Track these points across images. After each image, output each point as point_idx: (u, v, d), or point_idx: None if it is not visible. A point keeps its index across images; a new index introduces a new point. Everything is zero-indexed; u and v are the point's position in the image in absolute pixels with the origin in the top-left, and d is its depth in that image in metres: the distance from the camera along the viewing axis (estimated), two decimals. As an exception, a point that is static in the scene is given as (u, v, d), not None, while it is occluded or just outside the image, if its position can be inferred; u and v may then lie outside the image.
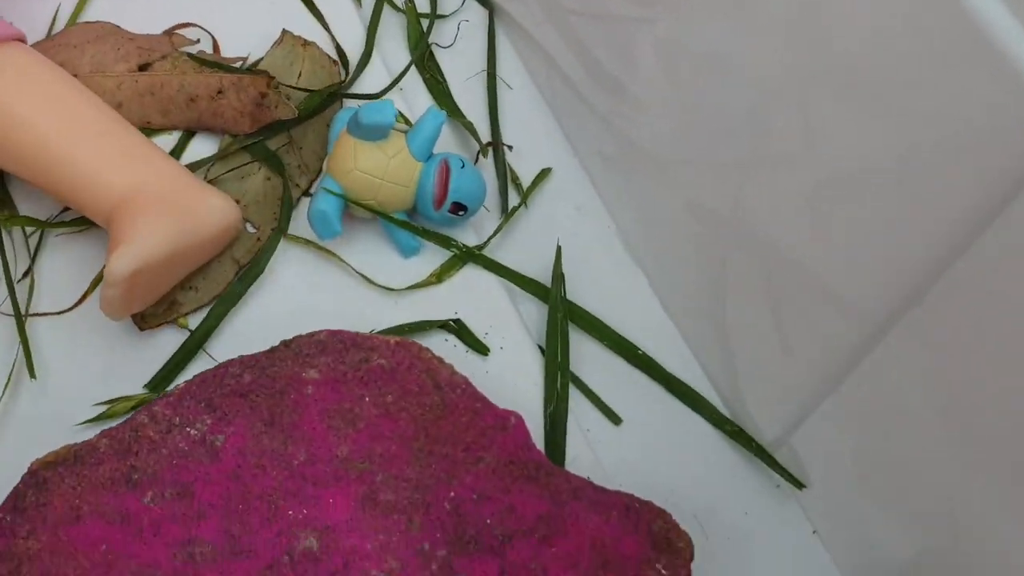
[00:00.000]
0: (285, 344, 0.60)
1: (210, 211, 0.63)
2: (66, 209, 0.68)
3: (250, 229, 0.67)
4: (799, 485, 0.65)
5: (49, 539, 0.54)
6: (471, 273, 0.68)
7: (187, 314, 0.66)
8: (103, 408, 0.63)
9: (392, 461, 0.58)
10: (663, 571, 0.57)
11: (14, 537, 0.55)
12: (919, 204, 0.50)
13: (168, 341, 0.66)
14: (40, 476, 0.56)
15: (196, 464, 0.56)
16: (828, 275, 0.57)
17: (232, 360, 0.60)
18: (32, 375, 0.64)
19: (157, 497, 0.56)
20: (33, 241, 0.67)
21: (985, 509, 0.55)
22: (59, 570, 0.54)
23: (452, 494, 0.57)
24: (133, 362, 0.65)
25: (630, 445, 0.67)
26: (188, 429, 0.57)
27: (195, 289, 0.66)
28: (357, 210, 0.66)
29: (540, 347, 0.68)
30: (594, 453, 0.66)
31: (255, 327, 0.66)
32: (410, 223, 0.67)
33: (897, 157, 0.50)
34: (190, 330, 0.66)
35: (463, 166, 0.66)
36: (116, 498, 0.55)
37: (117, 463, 0.56)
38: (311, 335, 0.61)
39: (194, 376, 0.59)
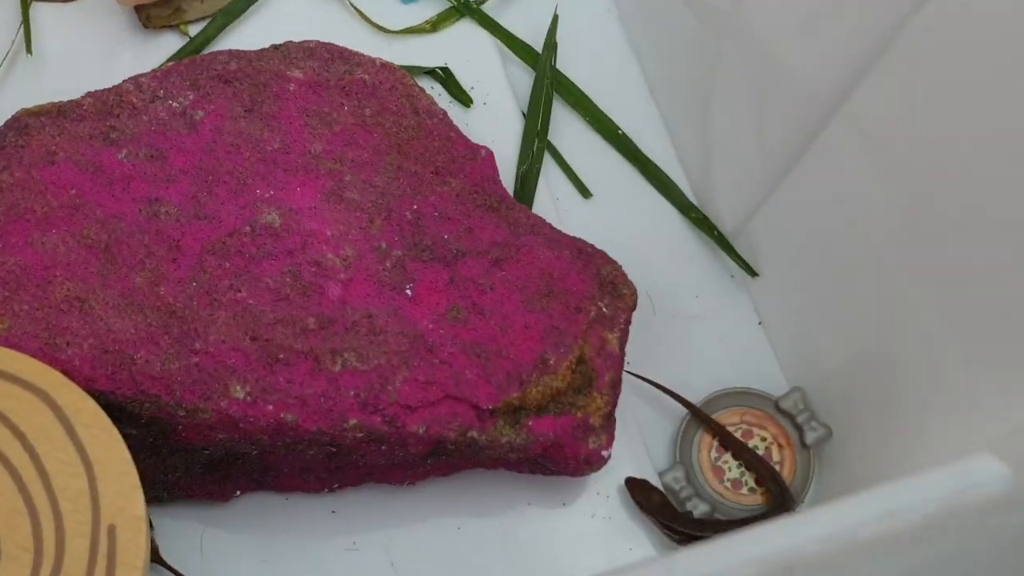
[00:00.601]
0: (275, 47, 0.62)
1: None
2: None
3: (260, -49, 0.69)
4: (752, 273, 0.67)
5: (22, 176, 0.56)
6: (466, 28, 0.70)
7: (190, 22, 0.67)
8: (93, 97, 0.65)
9: (362, 167, 0.60)
10: (604, 309, 0.59)
11: (-11, 170, 0.57)
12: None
13: (167, 44, 0.67)
14: (23, 122, 0.58)
15: (174, 133, 0.58)
16: (803, 71, 0.59)
17: (222, 51, 0.61)
18: (28, 51, 0.66)
19: (131, 155, 0.57)
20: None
21: (922, 310, 0.57)
22: (27, 204, 0.56)
23: (415, 207, 0.59)
24: (131, 59, 0.67)
25: (596, 219, 0.69)
26: (170, 102, 0.59)
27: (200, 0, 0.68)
28: (364, -57, 0.68)
29: (523, 112, 0.69)
30: (560, 220, 0.67)
31: (250, 45, 0.67)
32: (414, -36, 0.68)
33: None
34: (190, 36, 0.67)
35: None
36: (92, 150, 0.57)
37: (98, 122, 0.58)
38: (302, 42, 0.62)
39: (185, 59, 0.61)
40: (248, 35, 0.68)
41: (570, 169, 0.69)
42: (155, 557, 0.57)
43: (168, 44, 0.67)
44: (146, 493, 0.50)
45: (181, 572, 0.57)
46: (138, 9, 0.67)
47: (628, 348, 0.60)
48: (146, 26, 0.67)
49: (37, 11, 0.67)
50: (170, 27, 0.67)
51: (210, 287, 0.55)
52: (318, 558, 0.60)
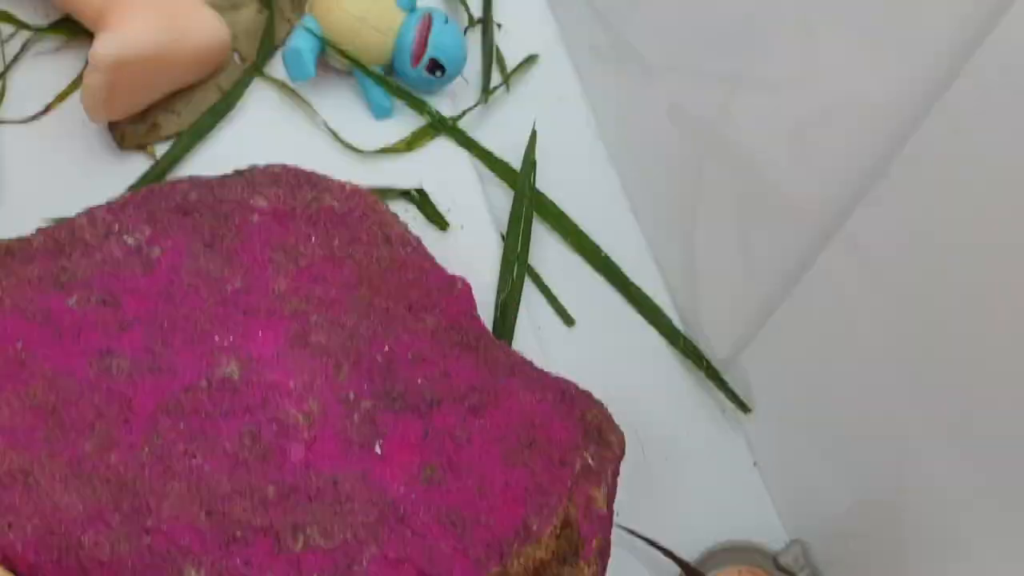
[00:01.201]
0: (238, 172, 0.58)
1: (201, 23, 0.61)
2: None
3: (238, 61, 0.65)
4: (745, 408, 0.63)
5: (-38, 326, 0.52)
6: (442, 147, 0.66)
7: (167, 138, 0.63)
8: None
9: (330, 305, 0.55)
10: (590, 460, 0.55)
11: (-74, 318, 0.52)
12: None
13: (135, 169, 0.63)
14: (-34, 263, 0.54)
15: (128, 274, 0.54)
16: (794, 190, 0.55)
17: (183, 179, 0.57)
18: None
19: (82, 301, 0.53)
20: (11, 49, 0.64)
21: (931, 455, 0.53)
22: (-33, 359, 0.51)
23: (387, 348, 0.55)
24: (98, 184, 0.62)
25: (580, 349, 0.65)
26: (125, 237, 0.55)
27: (177, 113, 0.64)
28: (334, 57, 0.64)
29: (502, 235, 0.65)
30: (542, 351, 0.64)
31: (218, 164, 0.63)
32: (386, 78, 0.64)
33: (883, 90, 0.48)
34: (156, 159, 0.63)
35: (446, 22, 0.64)
36: (41, 296, 0.53)
37: (48, 262, 0.54)
38: (267, 167, 0.58)
39: (143, 188, 0.57)
40: (216, 154, 0.64)
41: (552, 296, 0.65)
42: None
43: (139, 166, 0.63)
44: None
45: None
46: (112, 127, 0.62)
47: (617, 492, 0.56)
48: (121, 146, 0.62)
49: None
50: (147, 145, 0.63)
51: (164, 453, 0.50)
52: None
